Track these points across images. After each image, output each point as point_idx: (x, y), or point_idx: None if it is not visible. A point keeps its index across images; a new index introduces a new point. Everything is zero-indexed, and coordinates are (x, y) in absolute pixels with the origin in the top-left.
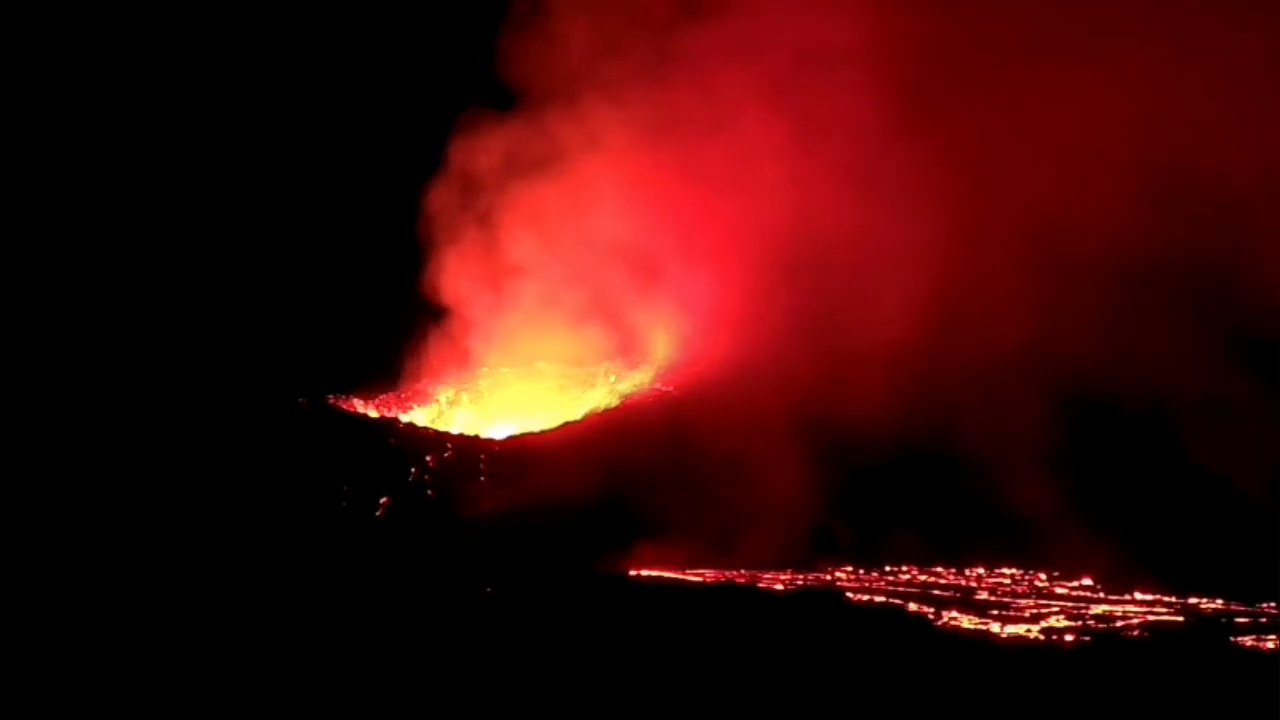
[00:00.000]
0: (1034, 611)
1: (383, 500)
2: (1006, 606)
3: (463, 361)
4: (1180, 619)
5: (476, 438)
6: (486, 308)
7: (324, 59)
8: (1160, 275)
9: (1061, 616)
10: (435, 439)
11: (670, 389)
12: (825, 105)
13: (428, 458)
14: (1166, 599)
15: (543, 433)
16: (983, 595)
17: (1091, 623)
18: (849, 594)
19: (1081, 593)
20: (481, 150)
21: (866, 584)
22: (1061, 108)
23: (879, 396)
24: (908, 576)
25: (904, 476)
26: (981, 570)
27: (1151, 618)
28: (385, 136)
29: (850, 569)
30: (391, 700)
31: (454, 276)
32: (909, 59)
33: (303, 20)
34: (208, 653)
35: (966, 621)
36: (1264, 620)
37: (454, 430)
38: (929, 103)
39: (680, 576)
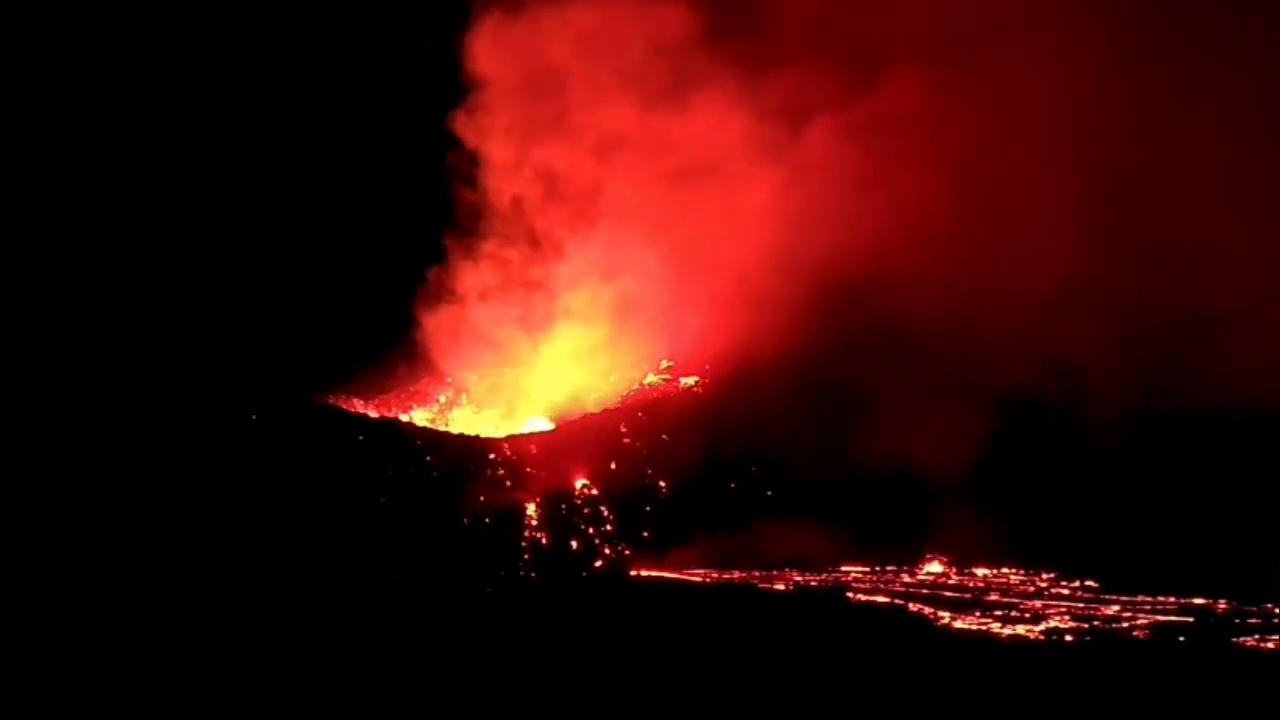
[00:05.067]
0: (1036, 612)
1: (383, 500)
2: (1008, 607)
3: (463, 362)
4: (1182, 619)
5: (476, 437)
6: (487, 308)
7: (327, 57)
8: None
9: (1064, 616)
10: (435, 439)
11: (668, 387)
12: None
13: (428, 458)
14: (1168, 599)
15: (543, 433)
16: (984, 595)
17: (1093, 623)
18: (850, 594)
19: (1083, 593)
20: (488, 148)
21: (868, 584)
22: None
23: (882, 391)
24: (909, 577)
25: (902, 476)
26: (984, 570)
27: (1153, 618)
28: (387, 136)
29: (851, 569)
30: (392, 700)
31: (455, 276)
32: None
33: (306, 21)
34: (207, 652)
35: (968, 622)
36: (1265, 621)
37: (454, 430)
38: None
39: (680, 576)
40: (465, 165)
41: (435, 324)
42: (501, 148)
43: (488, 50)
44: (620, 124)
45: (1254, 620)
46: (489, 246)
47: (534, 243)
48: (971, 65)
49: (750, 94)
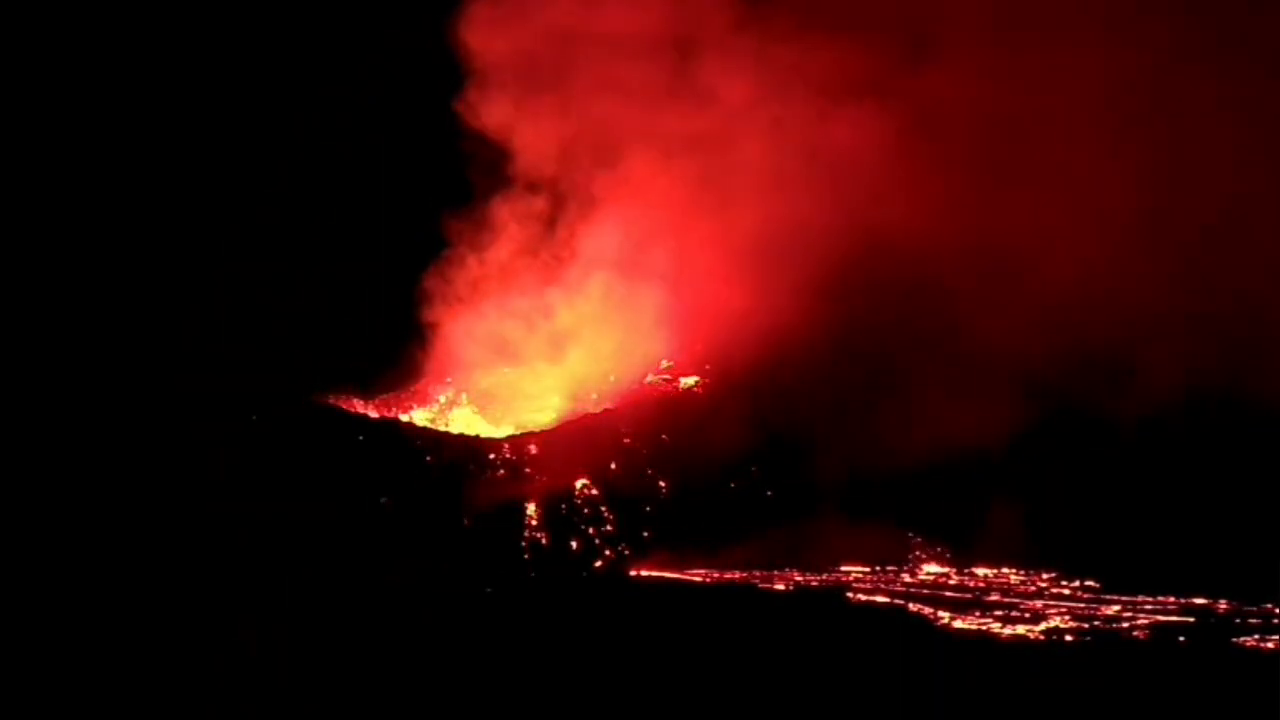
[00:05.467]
0: (1036, 612)
1: (383, 500)
2: (1008, 607)
3: (462, 362)
4: (1182, 619)
5: (476, 437)
6: (487, 308)
7: (327, 57)
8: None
9: (1065, 617)
10: (435, 439)
11: (668, 387)
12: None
13: (428, 458)
14: (1168, 599)
15: (542, 432)
16: (984, 595)
17: (1093, 623)
18: (850, 594)
19: (1083, 593)
20: (486, 148)
21: (868, 584)
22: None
23: (877, 390)
24: (909, 576)
25: (903, 475)
26: (984, 570)
27: (1153, 618)
28: (387, 136)
29: (851, 569)
30: (392, 700)
31: (455, 276)
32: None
33: (306, 20)
34: (207, 652)
35: (968, 622)
36: (1265, 621)
37: (454, 430)
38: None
39: (680, 576)
40: (467, 160)
41: (436, 322)
42: (503, 141)
43: (487, 38)
44: (628, 108)
45: (1254, 620)
46: (490, 243)
47: (538, 239)
48: (1010, 41)
49: (768, 70)
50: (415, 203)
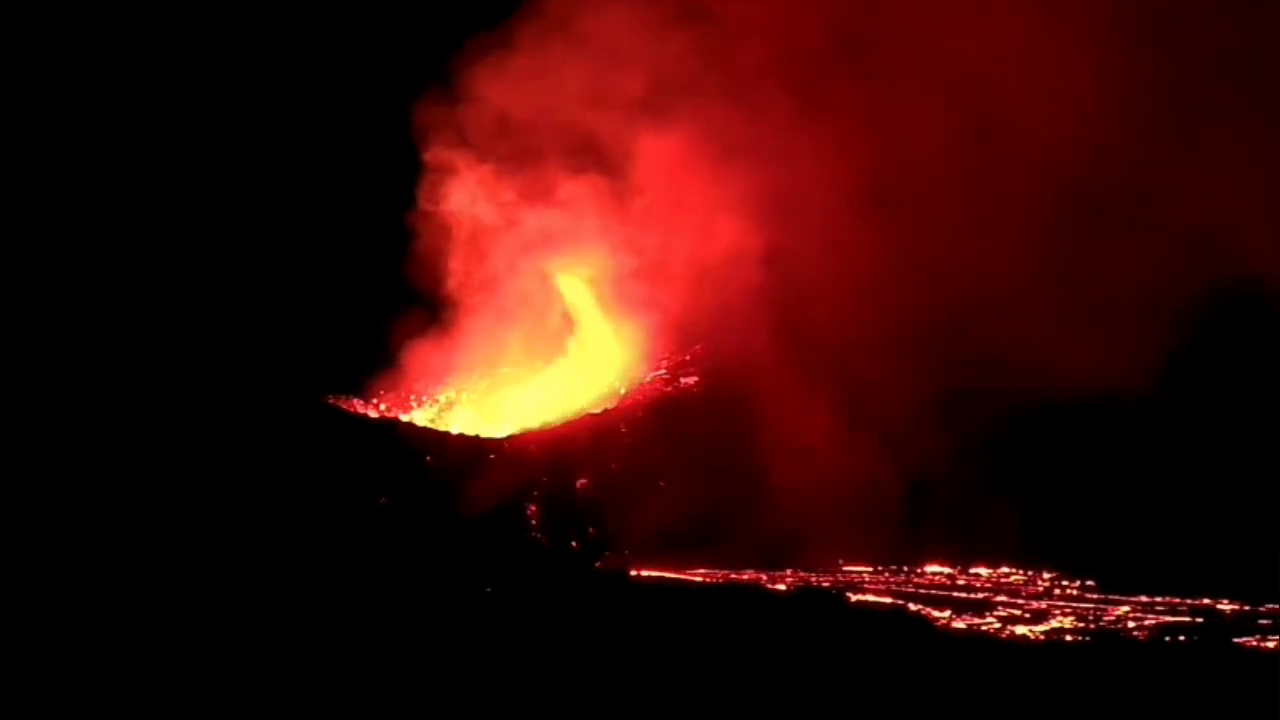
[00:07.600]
0: (1037, 611)
1: (382, 501)
2: (1009, 607)
3: (463, 362)
4: (1182, 619)
5: (477, 437)
6: (487, 307)
7: (324, 57)
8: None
9: (1066, 617)
10: (435, 439)
11: (669, 386)
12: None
13: (428, 458)
14: (1169, 599)
15: (543, 433)
16: (984, 595)
17: (1093, 623)
18: (850, 594)
19: (1086, 594)
20: (481, 148)
21: (868, 584)
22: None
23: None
24: (910, 577)
25: (902, 473)
26: (985, 570)
27: (1153, 618)
28: (384, 136)
29: (851, 568)
30: (392, 700)
31: (454, 275)
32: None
33: (297, 14)
34: (205, 653)
35: (967, 622)
36: (1266, 621)
37: (454, 430)
38: None
39: (680, 576)
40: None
41: (436, 323)
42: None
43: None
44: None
45: (1262, 621)
46: (490, 244)
47: (535, 242)
48: None
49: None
50: (416, 201)
